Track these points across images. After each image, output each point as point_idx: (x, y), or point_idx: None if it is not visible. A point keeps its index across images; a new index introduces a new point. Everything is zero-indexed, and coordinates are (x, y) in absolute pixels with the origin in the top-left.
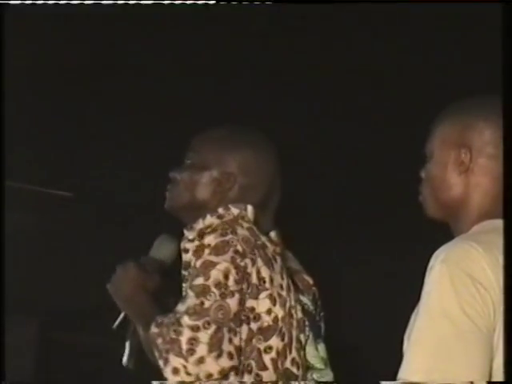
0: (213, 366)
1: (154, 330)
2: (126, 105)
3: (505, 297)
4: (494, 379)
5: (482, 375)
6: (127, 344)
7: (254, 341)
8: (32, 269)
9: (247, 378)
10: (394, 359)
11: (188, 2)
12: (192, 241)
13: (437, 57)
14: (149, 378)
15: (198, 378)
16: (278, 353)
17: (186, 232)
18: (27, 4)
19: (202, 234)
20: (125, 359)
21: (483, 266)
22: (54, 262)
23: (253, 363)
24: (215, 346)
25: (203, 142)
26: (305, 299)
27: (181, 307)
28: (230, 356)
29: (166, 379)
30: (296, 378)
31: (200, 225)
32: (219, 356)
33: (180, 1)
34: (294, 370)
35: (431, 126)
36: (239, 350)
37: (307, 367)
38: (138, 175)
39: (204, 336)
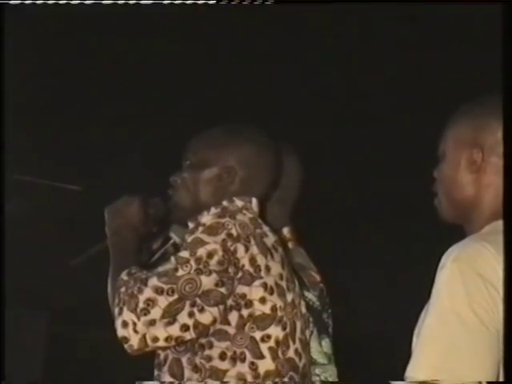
0: (160, 331)
1: (123, 277)
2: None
3: (505, 296)
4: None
5: (490, 375)
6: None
7: (246, 329)
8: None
9: (241, 366)
10: (402, 357)
11: (188, 2)
12: None
13: (437, 56)
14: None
15: (143, 339)
16: (277, 342)
17: (189, 223)
18: (27, 4)
19: None
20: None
21: (494, 266)
22: (62, 258)
23: (246, 352)
24: (170, 313)
25: (200, 141)
26: (310, 295)
27: (158, 269)
28: (184, 328)
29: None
30: (298, 368)
31: (204, 216)
32: (170, 324)
33: (180, 1)
34: (297, 360)
35: (444, 127)
36: (203, 327)
37: (310, 362)
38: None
39: (163, 301)
